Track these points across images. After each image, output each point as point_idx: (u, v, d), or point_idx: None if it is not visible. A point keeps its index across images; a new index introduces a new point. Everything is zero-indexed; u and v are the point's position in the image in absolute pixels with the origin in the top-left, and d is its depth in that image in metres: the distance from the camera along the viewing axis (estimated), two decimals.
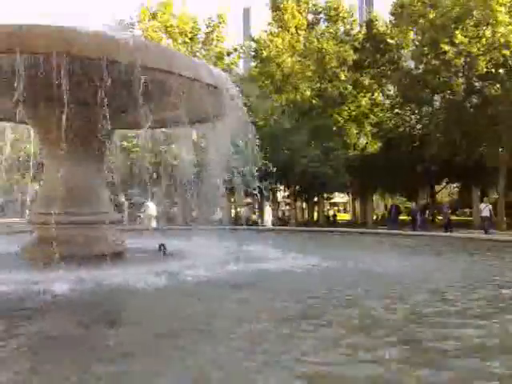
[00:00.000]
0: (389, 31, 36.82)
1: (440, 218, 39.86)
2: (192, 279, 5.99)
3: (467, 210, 48.56)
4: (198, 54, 33.71)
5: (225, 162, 8.98)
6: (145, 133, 10.31)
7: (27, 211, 9.53)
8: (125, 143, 25.13)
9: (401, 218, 28.98)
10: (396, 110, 38.43)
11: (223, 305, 4.94)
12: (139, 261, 7.62)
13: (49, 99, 6.85)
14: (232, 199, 34.09)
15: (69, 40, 5.82)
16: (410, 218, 28.89)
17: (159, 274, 5.99)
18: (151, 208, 19.03)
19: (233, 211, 39.80)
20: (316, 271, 6.96)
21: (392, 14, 37.34)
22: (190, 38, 34.51)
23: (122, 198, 20.00)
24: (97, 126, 6.84)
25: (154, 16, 33.99)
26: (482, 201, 28.34)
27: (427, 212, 35.25)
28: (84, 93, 6.67)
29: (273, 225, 24.28)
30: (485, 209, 23.87)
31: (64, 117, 6.21)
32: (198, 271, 6.37)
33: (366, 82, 36.90)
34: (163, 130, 10.92)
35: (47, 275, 5.72)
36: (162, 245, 8.41)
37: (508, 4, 28.57)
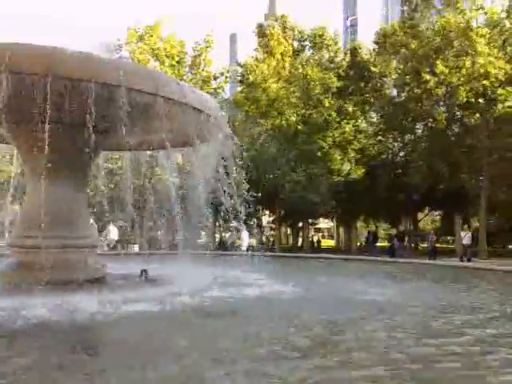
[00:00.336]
0: (372, 59, 37.63)
1: (424, 245, 40.21)
2: (172, 306, 5.82)
3: (450, 238, 49.07)
4: (184, 77, 33.90)
5: (210, 185, 8.91)
6: (129, 155, 10.19)
7: (6, 234, 9.27)
8: (109, 165, 24.91)
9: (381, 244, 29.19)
10: (379, 137, 38.97)
11: (198, 335, 4.75)
12: (120, 286, 7.41)
13: (32, 119, 6.73)
14: (217, 223, 33.86)
15: (54, 61, 5.75)
16: (388, 244, 29.08)
17: (138, 301, 5.81)
18: (113, 232, 18.67)
19: (217, 236, 39.50)
20: (297, 298, 6.86)
21: (375, 42, 38.28)
22: (177, 62, 34.75)
23: (110, 225, 19.62)
24: (81, 147, 6.73)
25: (141, 38, 34.23)
26: (462, 229, 28.60)
27: (406, 239, 35.40)
28: (69, 114, 6.58)
29: (247, 250, 23.94)
30: (465, 236, 23.97)
31: (47, 138, 6.08)
32: (178, 298, 6.20)
33: (350, 108, 37.46)
34: (148, 152, 10.82)
35: (24, 301, 5.51)
36: (144, 270, 8.21)
37: (487, 35, 29.54)
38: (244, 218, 9.17)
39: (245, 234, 26.73)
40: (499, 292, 8.66)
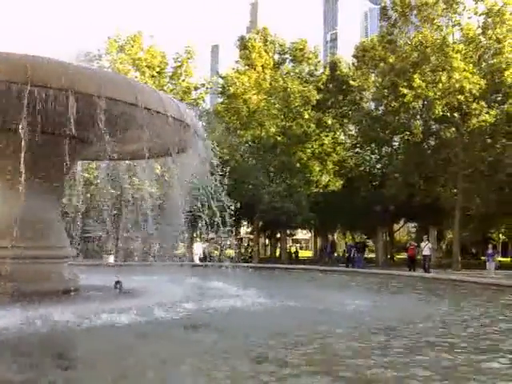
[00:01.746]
0: (351, 73, 38.28)
1: (399, 256, 40.72)
2: (144, 318, 5.72)
3: None
4: (165, 87, 33.81)
5: (188, 196, 8.84)
6: (107, 165, 10.07)
7: None
8: (86, 174, 24.54)
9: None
10: (357, 150, 39.54)
11: (168, 348, 4.64)
12: (93, 298, 7.25)
13: (4, 128, 6.60)
14: (194, 234, 33.63)
15: (31, 69, 5.66)
16: (347, 254, 29.37)
17: (111, 313, 5.69)
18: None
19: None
20: (272, 310, 6.82)
21: (355, 56, 38.98)
22: (158, 72, 34.66)
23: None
24: (57, 157, 6.61)
25: (121, 48, 34.05)
26: (428, 239, 28.57)
27: (365, 250, 35.74)
28: (44, 122, 6.46)
29: (200, 261, 23.79)
30: (425, 247, 24.11)
31: (21, 147, 5.96)
32: (153, 310, 6.10)
33: (329, 121, 37.94)
34: (127, 162, 10.71)
35: None
36: (118, 282, 8.06)
37: (463, 51, 30.37)
38: (222, 228, 9.13)
39: (197, 245, 26.46)
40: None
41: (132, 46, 33.72)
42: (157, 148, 7.53)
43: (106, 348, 4.61)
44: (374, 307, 7.33)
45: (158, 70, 34.40)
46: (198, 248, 24.00)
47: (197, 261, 22.85)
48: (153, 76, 33.78)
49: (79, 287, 7.57)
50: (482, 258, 42.68)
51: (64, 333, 5.03)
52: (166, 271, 9.42)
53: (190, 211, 9.13)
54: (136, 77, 31.72)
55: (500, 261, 40.82)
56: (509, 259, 44.33)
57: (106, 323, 5.40)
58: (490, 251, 22.90)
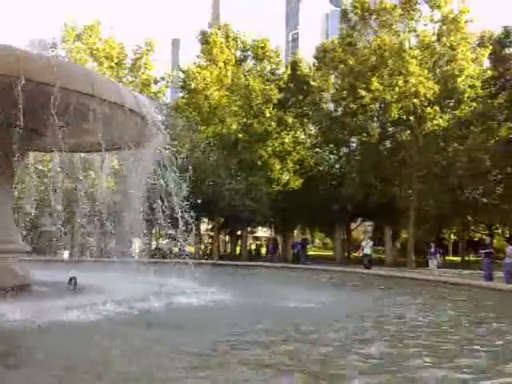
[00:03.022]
0: (312, 74, 38.75)
1: (355, 254, 41.63)
2: (97, 315, 5.58)
3: (380, 248, 51.12)
4: (124, 79, 33.07)
5: (146, 191, 8.69)
6: (61, 156, 9.73)
7: None
8: (40, 166, 23.66)
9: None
10: (316, 149, 40.13)
11: (122, 345, 4.54)
12: (45, 295, 7.02)
13: None
14: (153, 230, 33.11)
15: None
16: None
17: (63, 310, 5.52)
18: None
19: (154, 243, 38.62)
20: (229, 306, 6.83)
21: (315, 57, 39.47)
22: (117, 63, 33.85)
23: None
24: (5, 147, 6.34)
25: (79, 37, 33.03)
26: (370, 238, 29.01)
27: (306, 247, 36.31)
28: None
29: (137, 257, 23.50)
30: (366, 245, 24.82)
31: None
32: (105, 307, 5.96)
33: (290, 120, 38.26)
34: (82, 154, 10.40)
35: None
36: (72, 278, 7.83)
37: (419, 57, 31.35)
38: (182, 225, 9.02)
39: (136, 240, 26.03)
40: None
41: (90, 36, 32.77)
42: (113, 141, 7.35)
43: (53, 346, 4.47)
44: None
45: (116, 61, 33.61)
46: (137, 243, 23.57)
47: (136, 257, 22.40)
48: (111, 67, 32.97)
49: (31, 283, 7.30)
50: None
51: (11, 330, 4.84)
52: (123, 267, 9.22)
53: (149, 207, 8.98)
54: (93, 67, 30.87)
55: (451, 260, 42.59)
56: (459, 258, 46.25)
57: (57, 320, 5.23)
58: (432, 250, 23.80)
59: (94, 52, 32.61)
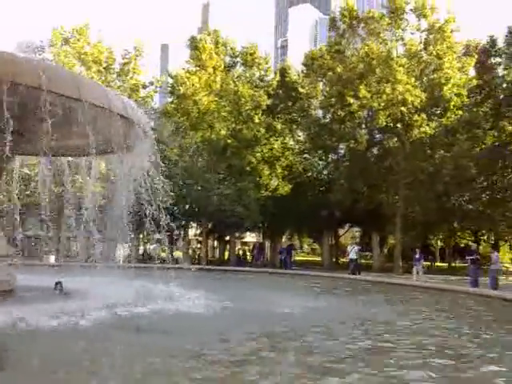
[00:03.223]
0: (300, 81, 39.01)
1: (343, 259, 41.81)
2: (84, 321, 5.54)
3: (368, 254, 51.42)
4: (112, 84, 32.96)
5: (133, 195, 8.65)
6: (47, 160, 9.67)
7: None
8: (26, 170, 23.43)
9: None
10: (305, 155, 40.32)
11: (109, 351, 4.53)
12: (31, 300, 6.94)
13: None
14: (141, 235, 32.93)
15: None
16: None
17: (49, 315, 5.47)
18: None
19: (141, 248, 38.40)
20: (215, 312, 6.82)
21: (304, 64, 39.75)
22: (105, 68, 33.74)
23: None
24: None
25: (66, 41, 32.86)
26: (356, 243, 28.98)
27: (292, 252, 36.40)
28: None
29: (124, 262, 23.35)
30: (352, 251, 24.86)
31: None
32: (93, 312, 5.92)
33: (279, 126, 38.42)
34: (69, 158, 10.33)
35: None
36: (59, 283, 7.77)
37: (406, 65, 31.75)
38: (170, 229, 9.00)
39: (120, 246, 25.86)
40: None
41: (78, 40, 32.62)
42: (101, 145, 7.33)
43: (39, 351, 4.43)
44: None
45: (104, 65, 33.50)
46: (121, 249, 23.32)
47: (120, 262, 22.20)
48: (99, 71, 32.84)
49: (16, 288, 7.22)
50: (424, 263, 44.75)
51: None
52: (110, 272, 9.15)
53: (136, 212, 8.94)
54: (81, 71, 30.72)
55: (438, 266, 42.90)
56: (446, 264, 46.64)
57: (43, 325, 5.18)
58: (417, 256, 23.95)
59: (82, 56, 32.47)
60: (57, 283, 7.80)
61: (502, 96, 33.70)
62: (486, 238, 41.69)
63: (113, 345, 4.73)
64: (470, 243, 32.55)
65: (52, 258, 20.97)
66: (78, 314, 5.72)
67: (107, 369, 3.92)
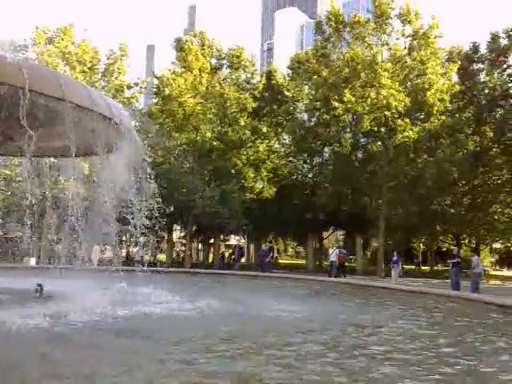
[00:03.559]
0: (286, 84, 39.18)
1: (327, 263, 41.93)
2: (66, 324, 5.45)
3: (351, 257, 51.82)
4: (96, 84, 32.64)
5: (117, 197, 8.56)
6: (29, 161, 9.51)
7: None
8: (7, 171, 23.05)
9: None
10: (290, 158, 40.47)
11: (90, 355, 4.44)
12: (10, 302, 6.81)
13: None
14: (124, 238, 32.58)
15: None
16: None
17: (28, 318, 5.36)
18: None
19: (124, 250, 38.01)
20: (195, 315, 6.78)
21: (290, 68, 39.94)
22: (89, 68, 33.39)
23: None
24: None
25: (50, 40, 32.45)
26: (339, 247, 29.13)
27: (271, 255, 36.56)
28: None
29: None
30: (332, 253, 25.01)
31: None
32: (74, 315, 5.83)
33: (264, 129, 38.50)
34: (52, 159, 10.19)
35: None
36: (39, 285, 7.64)
37: (390, 70, 32.11)
38: (154, 232, 8.92)
39: (95, 248, 25.71)
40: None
41: (62, 39, 32.24)
42: (84, 146, 7.24)
43: (16, 355, 4.33)
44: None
45: (89, 65, 33.14)
46: (96, 251, 23.08)
47: (95, 265, 21.97)
48: (83, 71, 32.48)
49: None
50: (405, 266, 45.25)
51: None
52: (92, 275, 9.04)
53: (120, 214, 8.85)
54: (65, 71, 30.36)
55: (420, 269, 43.40)
56: (428, 268, 47.17)
57: (22, 328, 5.08)
58: (394, 258, 24.17)
59: (67, 56, 32.09)
60: (37, 285, 7.67)
61: (483, 102, 34.36)
62: (467, 241, 42.30)
63: (83, 347, 4.67)
64: (452, 247, 33.05)
65: (33, 261, 20.62)
66: (56, 317, 5.62)
67: (65, 371, 3.85)
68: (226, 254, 49.84)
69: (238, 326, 6.18)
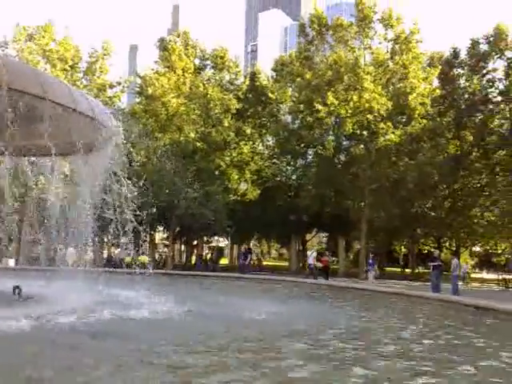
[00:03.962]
0: (270, 86, 39.24)
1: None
2: (42, 326, 5.34)
3: (334, 259, 52.11)
4: (78, 83, 32.21)
5: (98, 198, 8.44)
6: (8, 161, 9.32)
7: None
8: None
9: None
10: (274, 160, 40.54)
11: (65, 358, 4.35)
12: None
13: None
14: (105, 239, 32.18)
15: None
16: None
17: (5, 320, 5.24)
18: None
19: (105, 252, 37.53)
20: (176, 318, 6.71)
21: (273, 70, 40.02)
22: (71, 66, 32.94)
23: None
24: None
25: (31, 37, 31.92)
26: (316, 250, 29.27)
27: (249, 256, 36.62)
28: None
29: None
30: (310, 256, 25.17)
31: None
32: (53, 317, 5.72)
33: (248, 130, 38.48)
34: (32, 159, 10.00)
35: None
36: (17, 287, 7.47)
37: (373, 73, 32.42)
38: (135, 233, 8.83)
39: (70, 250, 25.37)
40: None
41: (43, 36, 31.73)
42: (65, 145, 7.11)
43: None
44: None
45: (70, 63, 32.68)
46: (71, 253, 22.80)
47: (70, 266, 21.71)
48: (65, 70, 32.02)
49: None
50: (388, 268, 45.69)
51: None
52: (72, 277, 8.88)
53: (100, 214, 8.73)
54: (46, 69, 29.90)
55: (402, 272, 43.82)
56: (409, 270, 47.66)
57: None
58: (370, 261, 24.31)
59: (47, 53, 31.60)
60: (15, 287, 7.50)
61: (463, 106, 34.95)
62: (447, 244, 42.90)
63: (57, 349, 4.58)
64: (433, 250, 33.48)
65: (11, 262, 20.25)
66: (32, 319, 5.52)
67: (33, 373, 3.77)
68: (204, 255, 49.74)
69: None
